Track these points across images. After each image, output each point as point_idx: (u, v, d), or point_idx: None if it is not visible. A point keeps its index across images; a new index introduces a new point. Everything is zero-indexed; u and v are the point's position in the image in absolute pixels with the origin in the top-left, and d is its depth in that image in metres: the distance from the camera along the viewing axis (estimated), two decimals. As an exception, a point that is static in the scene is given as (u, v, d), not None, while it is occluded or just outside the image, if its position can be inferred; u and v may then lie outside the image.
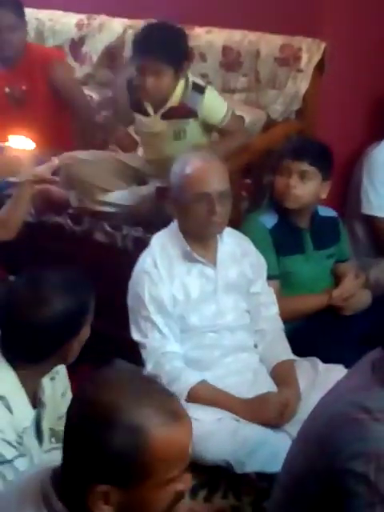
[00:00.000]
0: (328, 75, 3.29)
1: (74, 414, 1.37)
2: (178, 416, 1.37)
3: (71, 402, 1.41)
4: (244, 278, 2.57)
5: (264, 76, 3.35)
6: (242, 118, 3.17)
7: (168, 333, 2.43)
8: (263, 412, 2.35)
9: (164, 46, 2.81)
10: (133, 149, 3.12)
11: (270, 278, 2.68)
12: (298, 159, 2.72)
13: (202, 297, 2.48)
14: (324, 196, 2.83)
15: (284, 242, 2.79)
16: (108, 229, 2.99)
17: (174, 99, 2.95)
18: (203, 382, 2.41)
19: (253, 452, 2.28)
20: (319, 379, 2.47)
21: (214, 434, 2.28)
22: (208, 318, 2.48)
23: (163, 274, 2.43)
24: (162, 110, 2.97)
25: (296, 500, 1.76)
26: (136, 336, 2.46)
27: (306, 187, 2.74)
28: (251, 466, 2.28)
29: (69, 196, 3.06)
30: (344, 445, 1.62)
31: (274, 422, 2.36)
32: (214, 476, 2.32)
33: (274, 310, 2.65)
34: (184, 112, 2.94)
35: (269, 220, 2.80)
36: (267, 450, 2.28)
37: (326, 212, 2.96)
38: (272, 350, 2.57)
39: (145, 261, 2.46)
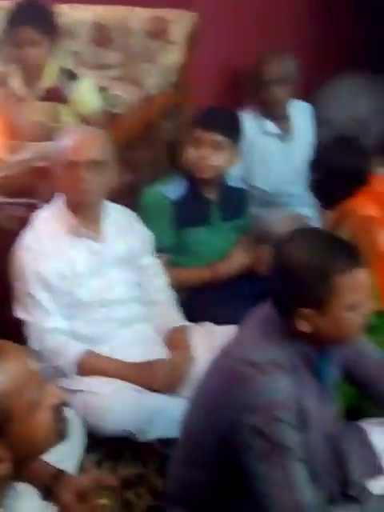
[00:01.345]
0: (200, 46, 3.34)
1: None
2: None
3: None
4: (131, 252, 2.58)
5: (136, 50, 3.36)
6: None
7: (52, 309, 2.41)
8: (151, 378, 2.38)
9: (39, 17, 2.96)
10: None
11: (161, 249, 2.70)
12: (209, 130, 2.72)
13: (90, 271, 2.47)
14: (236, 164, 2.86)
15: (190, 213, 2.79)
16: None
17: (48, 80, 3.01)
18: (89, 352, 2.41)
19: (153, 419, 2.31)
20: (214, 342, 2.52)
21: (113, 405, 2.30)
22: (97, 292, 2.48)
23: (47, 249, 2.42)
24: (38, 92, 2.99)
25: (194, 459, 1.81)
26: (20, 314, 2.44)
27: (219, 157, 2.75)
28: (153, 433, 2.32)
29: None
30: (236, 400, 1.68)
31: (164, 388, 2.39)
32: (117, 447, 2.35)
33: (164, 279, 2.68)
34: (59, 96, 3.01)
35: (174, 191, 2.80)
36: (168, 415, 2.31)
37: (235, 183, 2.98)
38: (164, 318, 2.60)
39: (26, 237, 2.44)
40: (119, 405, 2.30)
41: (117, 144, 2.91)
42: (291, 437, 1.66)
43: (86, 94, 3.08)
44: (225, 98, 3.62)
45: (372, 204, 2.26)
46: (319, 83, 3.65)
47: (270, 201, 3.36)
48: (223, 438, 1.72)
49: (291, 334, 1.73)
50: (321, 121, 3.52)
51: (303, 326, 1.71)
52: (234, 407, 1.67)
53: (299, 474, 1.64)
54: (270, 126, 3.37)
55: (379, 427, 2.03)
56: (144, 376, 2.38)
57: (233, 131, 2.81)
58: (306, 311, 1.69)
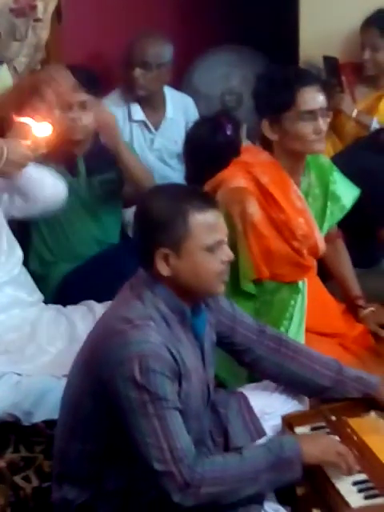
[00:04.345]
0: (68, 23, 3.30)
1: None
2: None
3: None
4: None
5: (3, 29, 3.27)
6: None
7: None
8: None
9: None
10: None
11: None
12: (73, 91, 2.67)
13: None
14: None
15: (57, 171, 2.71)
16: None
17: None
18: None
19: (39, 401, 2.30)
20: (96, 319, 2.51)
21: (-5, 391, 2.27)
22: None
23: None
24: None
25: (74, 431, 1.81)
26: None
27: (88, 116, 2.74)
28: (39, 416, 2.30)
29: None
30: (109, 355, 1.70)
31: None
32: (2, 433, 2.32)
33: None
34: None
35: None
36: (53, 397, 2.29)
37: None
38: None
39: None
40: (1, 389, 2.28)
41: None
42: (165, 386, 1.69)
43: (6, 76, 3.03)
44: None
45: (242, 174, 2.30)
46: (192, 59, 3.67)
47: None
48: (99, 397, 1.73)
49: (155, 282, 1.77)
50: (195, 96, 3.55)
51: (163, 269, 1.75)
52: (108, 362, 1.70)
53: (175, 422, 1.68)
54: (136, 112, 3.35)
55: (258, 391, 2.10)
56: None
57: (94, 86, 2.79)
58: (164, 251, 1.74)
